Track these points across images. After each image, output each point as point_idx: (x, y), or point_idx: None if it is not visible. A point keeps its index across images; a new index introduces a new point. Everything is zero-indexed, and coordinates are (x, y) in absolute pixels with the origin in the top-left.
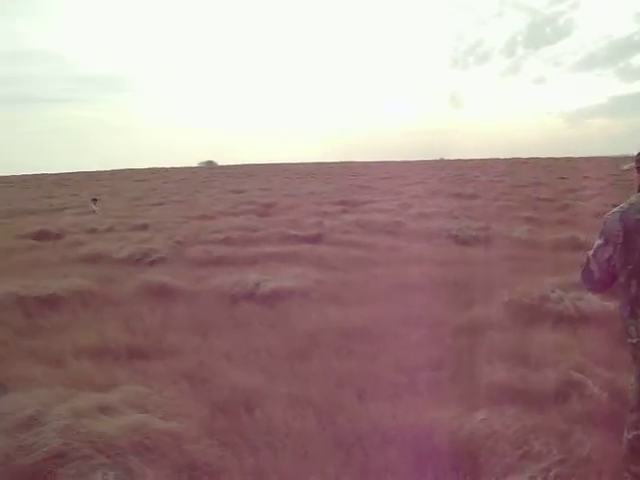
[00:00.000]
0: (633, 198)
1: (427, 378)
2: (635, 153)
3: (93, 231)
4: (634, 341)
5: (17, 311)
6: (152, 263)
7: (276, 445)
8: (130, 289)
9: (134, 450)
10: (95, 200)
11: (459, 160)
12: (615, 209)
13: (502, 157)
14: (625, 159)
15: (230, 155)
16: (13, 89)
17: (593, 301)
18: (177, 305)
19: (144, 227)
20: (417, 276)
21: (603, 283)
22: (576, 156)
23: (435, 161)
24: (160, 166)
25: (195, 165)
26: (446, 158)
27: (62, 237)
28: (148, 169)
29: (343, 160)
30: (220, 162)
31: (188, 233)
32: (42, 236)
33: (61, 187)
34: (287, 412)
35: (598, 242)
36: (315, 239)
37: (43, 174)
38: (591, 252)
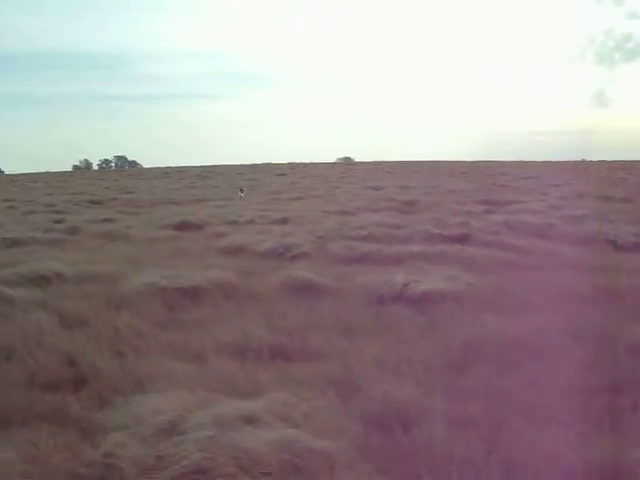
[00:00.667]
0: None
1: (606, 403)
2: None
3: (234, 223)
4: None
5: (157, 303)
6: (294, 258)
7: (440, 473)
8: (272, 284)
9: (282, 470)
10: (242, 190)
11: (603, 161)
12: None
13: None
14: None
15: (367, 151)
16: (160, 86)
17: None
18: (321, 303)
19: (284, 221)
20: (578, 283)
21: None
22: None
23: (577, 162)
24: (299, 161)
25: (333, 161)
26: (588, 159)
27: (203, 228)
28: (287, 164)
29: (476, 159)
30: (357, 158)
31: (329, 228)
32: (183, 227)
33: (203, 179)
34: (448, 432)
35: None
36: (462, 239)
37: (186, 167)
38: None
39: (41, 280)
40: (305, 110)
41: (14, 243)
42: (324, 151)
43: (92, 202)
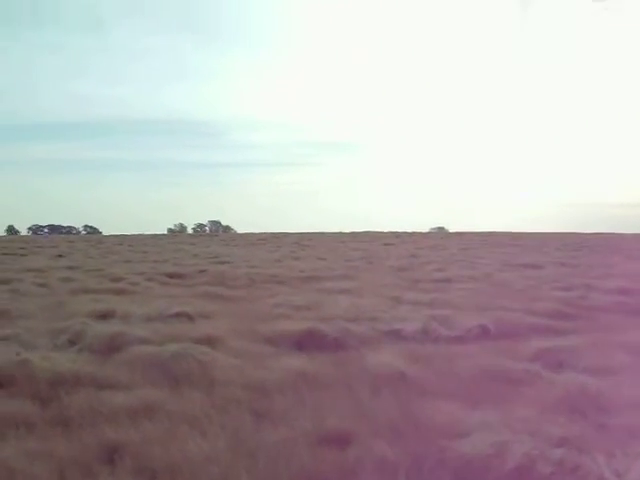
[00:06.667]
0: None
1: None
2: None
3: (396, 336)
4: None
5: None
6: None
7: None
8: None
9: None
10: None
11: None
12: None
13: None
14: None
15: (457, 221)
16: (254, 154)
17: None
18: None
19: (485, 333)
20: None
21: None
22: None
23: None
24: (390, 230)
25: (426, 230)
26: None
27: (346, 349)
28: (390, 232)
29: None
30: (450, 228)
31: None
32: (312, 342)
33: (304, 248)
34: None
35: None
36: None
37: (281, 232)
38: None
39: None
40: (391, 176)
41: None
42: (408, 219)
43: (172, 276)
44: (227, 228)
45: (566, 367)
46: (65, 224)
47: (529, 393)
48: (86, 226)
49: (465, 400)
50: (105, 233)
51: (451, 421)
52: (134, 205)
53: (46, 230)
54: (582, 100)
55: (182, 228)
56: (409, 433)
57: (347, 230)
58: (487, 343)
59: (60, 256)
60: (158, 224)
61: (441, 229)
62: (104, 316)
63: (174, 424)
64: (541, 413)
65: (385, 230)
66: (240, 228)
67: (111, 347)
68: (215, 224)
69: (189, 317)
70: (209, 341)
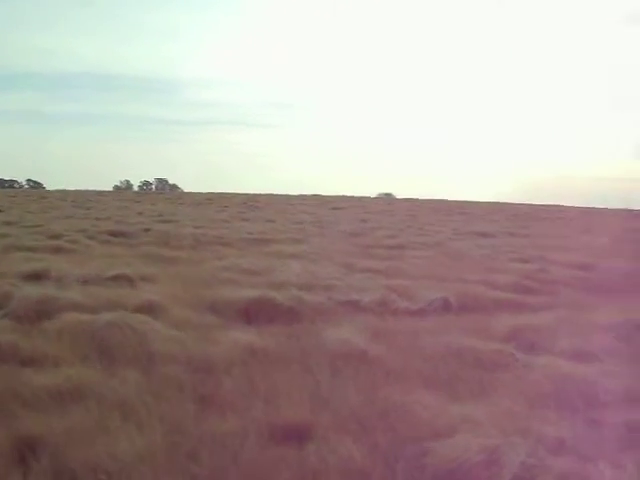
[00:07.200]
0: None
1: None
2: None
3: (356, 307)
4: None
5: None
6: None
7: None
8: None
9: None
10: None
11: None
12: None
13: None
14: None
15: (404, 187)
16: (207, 113)
17: None
18: None
19: (447, 307)
20: None
21: None
22: None
23: None
24: (339, 194)
25: (374, 196)
26: None
27: (301, 319)
28: (338, 196)
29: (528, 202)
30: (398, 195)
31: None
32: (262, 310)
33: (253, 210)
34: None
35: None
36: None
37: (229, 193)
38: None
39: None
40: (341, 141)
41: None
42: (356, 184)
43: (114, 234)
44: (174, 187)
45: (541, 349)
46: (7, 177)
47: (508, 380)
48: (29, 180)
49: (438, 387)
50: (49, 188)
51: (426, 414)
52: (82, 160)
53: None
54: (525, 73)
55: (128, 185)
56: (378, 427)
57: (295, 193)
58: (451, 318)
59: None
60: (105, 180)
61: (388, 195)
62: (36, 277)
63: (104, 412)
64: (528, 407)
65: (333, 194)
66: (187, 187)
67: (39, 313)
68: (162, 182)
69: (129, 280)
70: (149, 309)
